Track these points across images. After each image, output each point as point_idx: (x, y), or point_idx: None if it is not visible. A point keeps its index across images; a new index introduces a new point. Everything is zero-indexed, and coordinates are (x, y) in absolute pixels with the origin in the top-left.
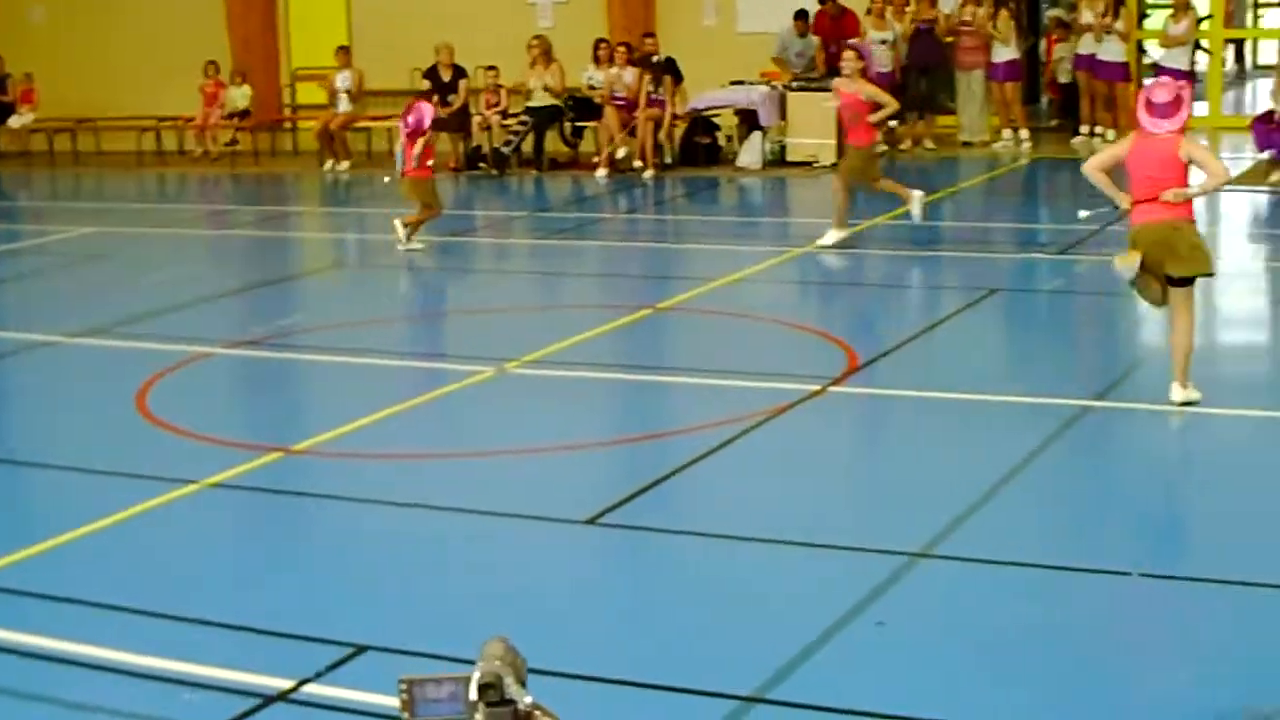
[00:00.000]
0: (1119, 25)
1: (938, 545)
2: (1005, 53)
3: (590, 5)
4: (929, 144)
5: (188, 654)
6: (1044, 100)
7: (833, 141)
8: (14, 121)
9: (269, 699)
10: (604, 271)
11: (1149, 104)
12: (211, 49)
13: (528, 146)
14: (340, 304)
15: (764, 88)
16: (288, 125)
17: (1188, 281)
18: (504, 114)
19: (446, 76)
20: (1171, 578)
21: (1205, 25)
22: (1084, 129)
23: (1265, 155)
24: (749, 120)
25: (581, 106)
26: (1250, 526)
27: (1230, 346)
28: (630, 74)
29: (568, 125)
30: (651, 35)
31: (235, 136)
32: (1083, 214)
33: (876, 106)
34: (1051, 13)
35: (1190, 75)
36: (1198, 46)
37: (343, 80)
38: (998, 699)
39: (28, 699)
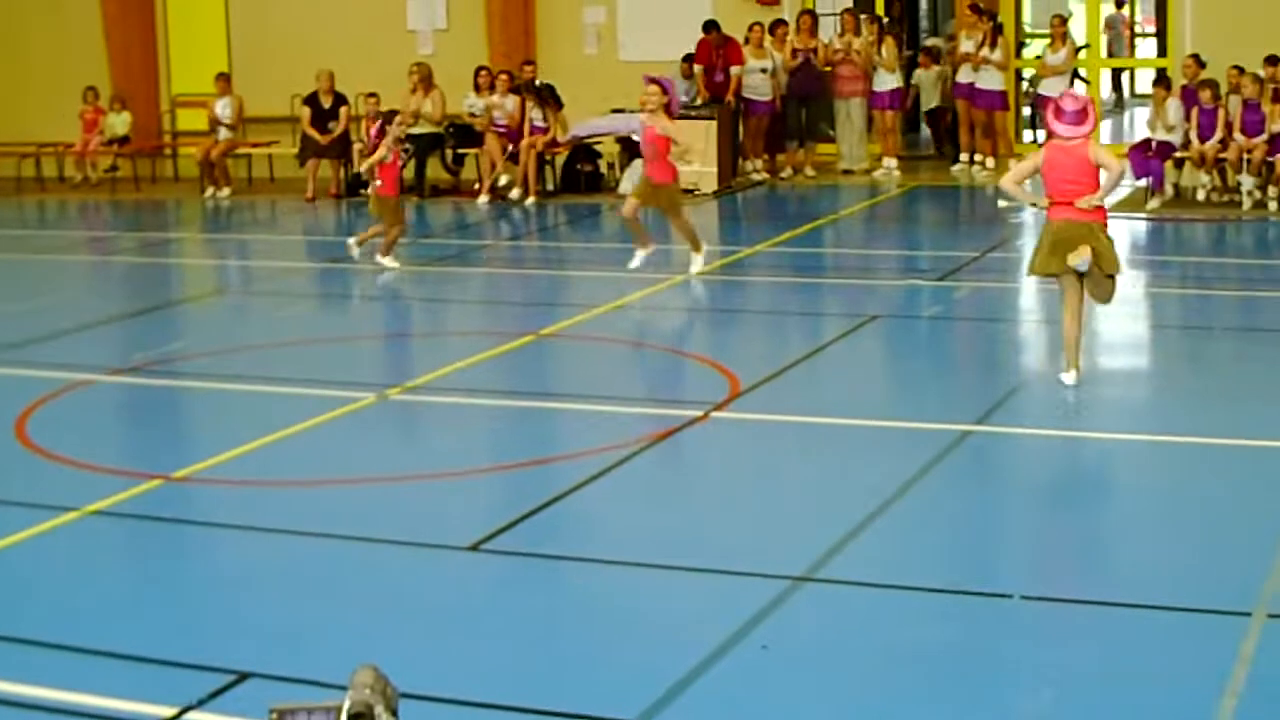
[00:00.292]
0: (996, 55)
1: (821, 569)
2: (889, 81)
3: (471, 33)
4: (809, 172)
5: (69, 683)
6: (924, 128)
7: (714, 169)
8: None
9: None
10: (486, 298)
11: (1060, 111)
12: (91, 75)
13: (409, 173)
14: (222, 331)
15: (644, 116)
16: (168, 151)
17: (1110, 277)
18: None
19: (327, 103)
20: (1052, 600)
21: (1083, 55)
22: (964, 157)
23: (1142, 183)
24: (630, 148)
25: (462, 133)
26: (1129, 549)
27: (1110, 372)
28: (511, 101)
29: (449, 152)
30: (531, 63)
31: (115, 163)
32: (1002, 203)
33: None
34: (928, 41)
35: None
36: (1076, 76)
37: (223, 107)
38: None
39: None
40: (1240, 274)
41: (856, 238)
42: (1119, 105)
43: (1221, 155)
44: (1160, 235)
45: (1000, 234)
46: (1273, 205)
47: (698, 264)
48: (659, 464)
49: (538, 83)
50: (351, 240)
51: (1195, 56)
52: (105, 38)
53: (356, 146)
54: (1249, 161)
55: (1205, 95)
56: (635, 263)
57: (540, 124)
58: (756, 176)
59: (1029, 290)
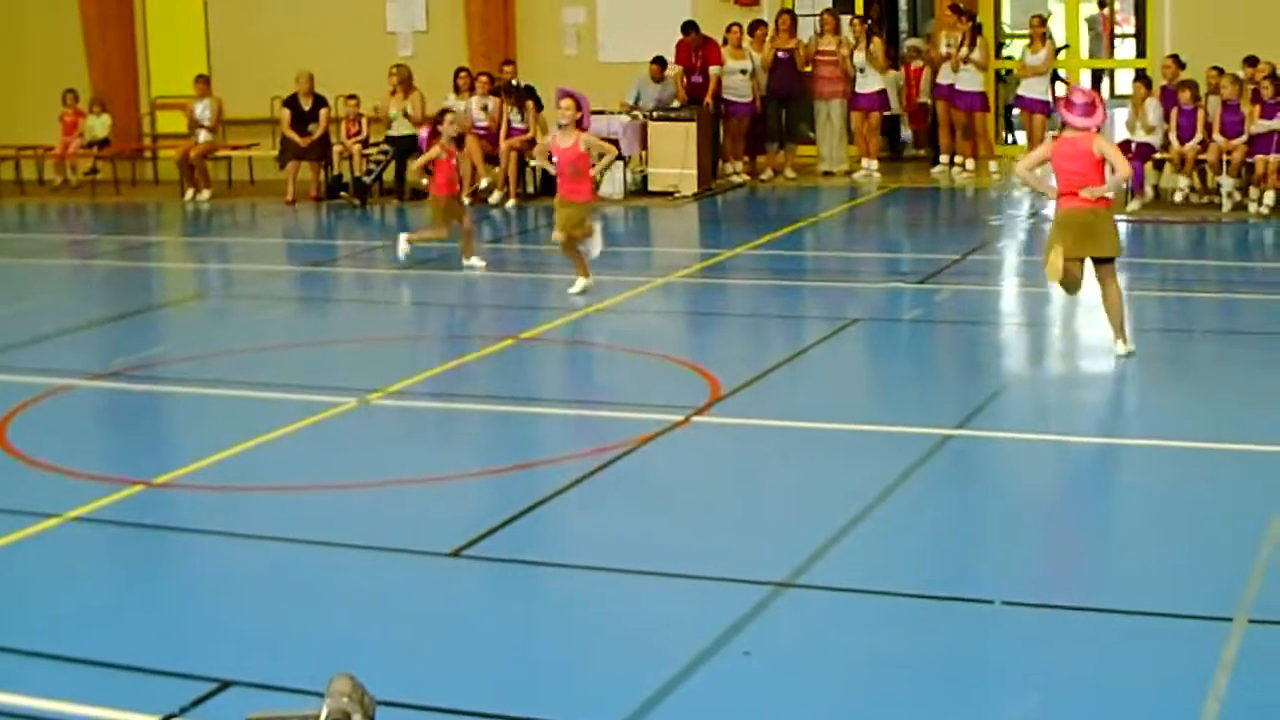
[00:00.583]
0: (975, 55)
1: (802, 574)
2: (873, 82)
3: (450, 34)
4: (789, 174)
5: (49, 691)
6: (905, 131)
7: (694, 171)
8: None
9: None
10: (467, 302)
11: (1070, 104)
12: (70, 77)
13: (389, 176)
14: (202, 335)
15: (625, 118)
16: (148, 154)
17: (1110, 260)
18: (365, 143)
19: (307, 105)
20: (1034, 605)
21: (1063, 55)
22: (944, 158)
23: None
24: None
25: None
26: (1111, 554)
27: (1090, 375)
28: (491, 103)
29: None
30: (511, 63)
31: (95, 165)
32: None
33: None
34: (910, 42)
35: (1048, 105)
36: (1056, 77)
37: (202, 109)
38: None
39: None
40: (1220, 276)
41: (837, 240)
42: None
43: (1201, 157)
44: (1140, 237)
45: (981, 236)
46: (1252, 207)
47: (578, 287)
48: (640, 469)
49: (515, 83)
50: (402, 237)
51: (1174, 57)
52: (85, 40)
53: (336, 149)
54: (1229, 163)
55: (1185, 96)
56: (577, 287)
57: (519, 125)
58: (736, 179)
59: (1010, 293)
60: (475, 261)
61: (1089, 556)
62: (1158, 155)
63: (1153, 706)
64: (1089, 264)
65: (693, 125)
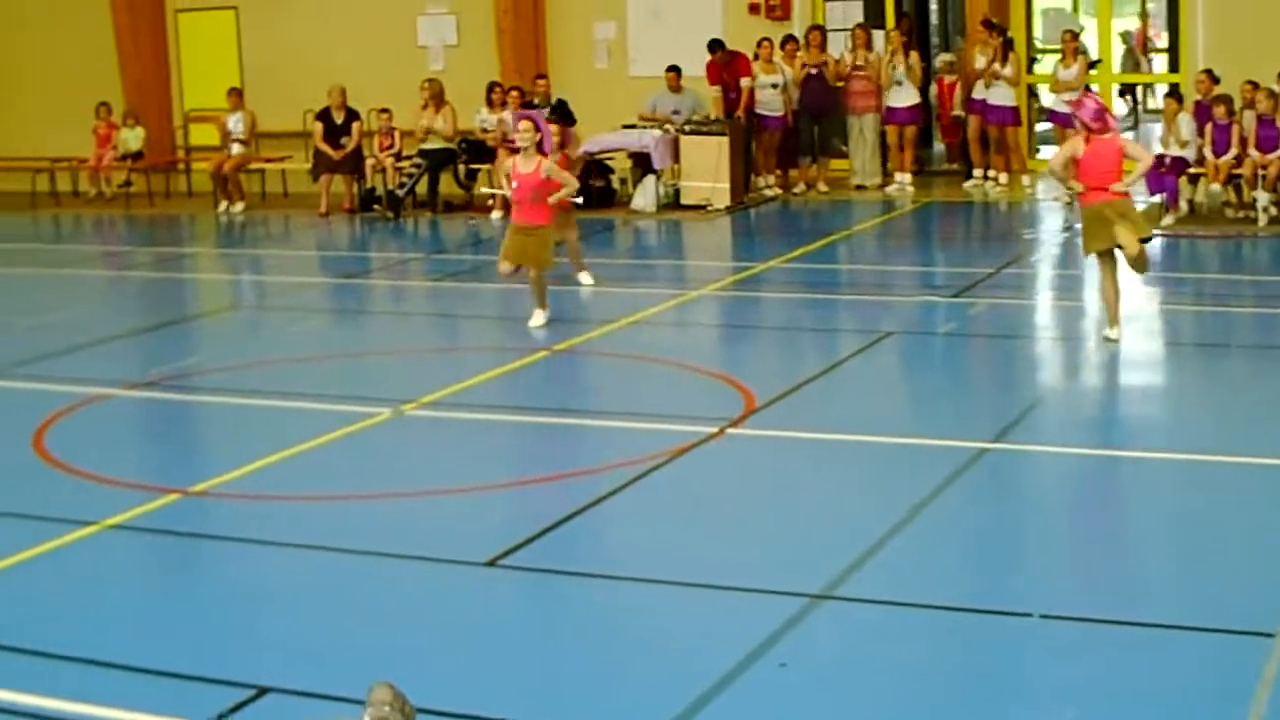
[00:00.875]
0: (1007, 71)
1: (838, 587)
2: (908, 96)
3: (482, 48)
4: (822, 187)
5: (88, 697)
6: (937, 144)
7: (726, 185)
8: None
9: None
10: (500, 314)
11: (1086, 110)
12: (104, 90)
13: (422, 189)
14: (236, 346)
15: (657, 131)
16: (181, 166)
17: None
18: (398, 156)
19: (339, 119)
20: (1072, 619)
21: (1096, 70)
22: (977, 173)
23: (1157, 199)
24: (643, 163)
25: (475, 149)
26: (1149, 568)
27: (1127, 389)
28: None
29: (461, 168)
30: (544, 77)
31: (129, 178)
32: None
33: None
34: (942, 56)
35: None
36: (1088, 91)
37: (235, 122)
38: None
39: None
40: (1256, 290)
41: (870, 253)
42: (1133, 121)
43: (1236, 171)
44: (1175, 251)
45: (1015, 250)
46: None
47: (538, 319)
48: (675, 480)
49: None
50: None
51: (1208, 72)
52: (118, 53)
53: (369, 162)
54: (1264, 177)
55: (1219, 110)
56: (536, 321)
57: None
58: (769, 192)
59: (1045, 307)
60: (584, 278)
61: (1127, 570)
62: (1192, 170)
63: None
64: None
65: (725, 139)
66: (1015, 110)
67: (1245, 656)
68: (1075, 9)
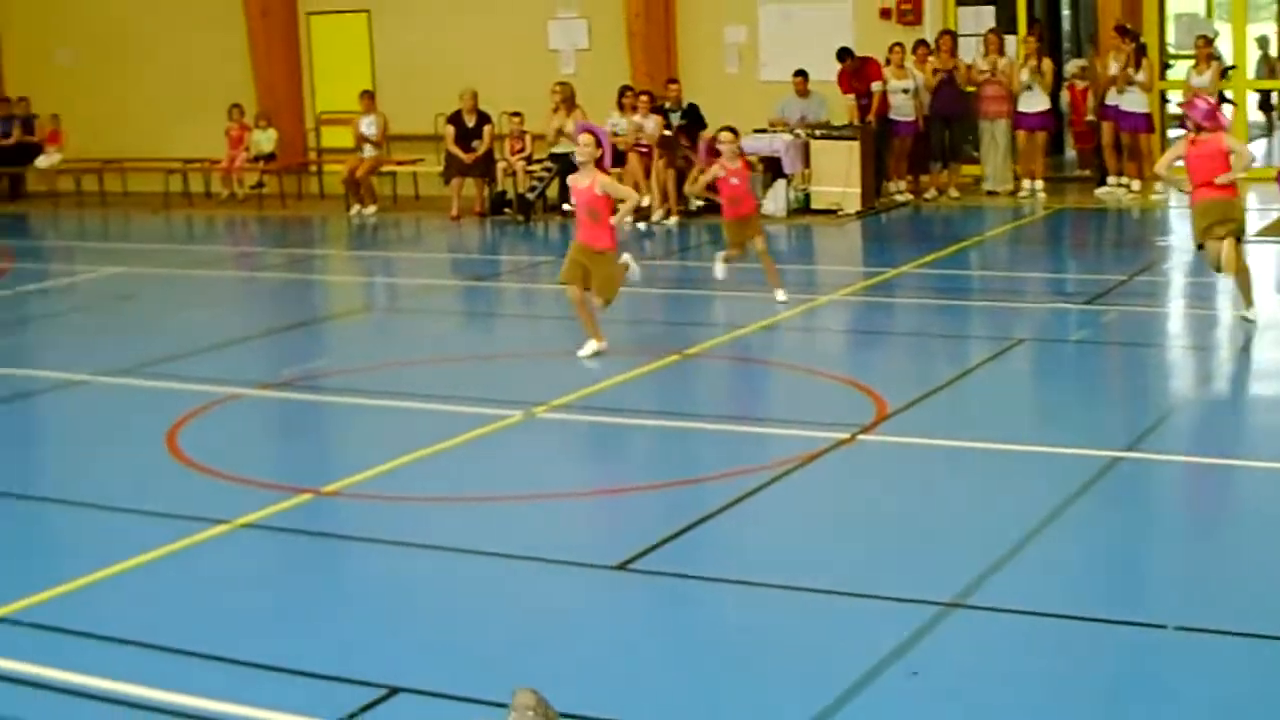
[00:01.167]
0: (1140, 76)
1: (970, 595)
2: (1038, 101)
3: (613, 52)
4: (953, 193)
5: (220, 693)
6: (1069, 151)
7: (857, 190)
8: (41, 162)
9: None
10: (630, 318)
11: (1198, 110)
12: (236, 92)
13: (552, 192)
14: (368, 347)
15: (788, 135)
16: (313, 169)
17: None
18: (528, 159)
19: (470, 122)
20: (1208, 631)
21: (1230, 76)
22: (1111, 179)
23: None
24: (773, 168)
25: None
26: None
27: (1261, 398)
28: (652, 122)
29: None
30: (675, 81)
31: (261, 179)
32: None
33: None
34: (1074, 62)
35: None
36: (1223, 98)
37: (367, 125)
38: None
39: None
40: None
41: (1002, 260)
42: (1268, 128)
43: None
44: None
45: (1148, 257)
46: None
47: (589, 349)
48: (806, 486)
49: (667, 105)
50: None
51: None
52: (251, 55)
53: (500, 165)
54: None
55: None
56: (585, 351)
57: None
58: (900, 197)
59: (1178, 315)
60: (779, 295)
61: (1264, 581)
62: None
63: None
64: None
65: (856, 144)
66: (1148, 116)
67: None
68: (1209, 14)
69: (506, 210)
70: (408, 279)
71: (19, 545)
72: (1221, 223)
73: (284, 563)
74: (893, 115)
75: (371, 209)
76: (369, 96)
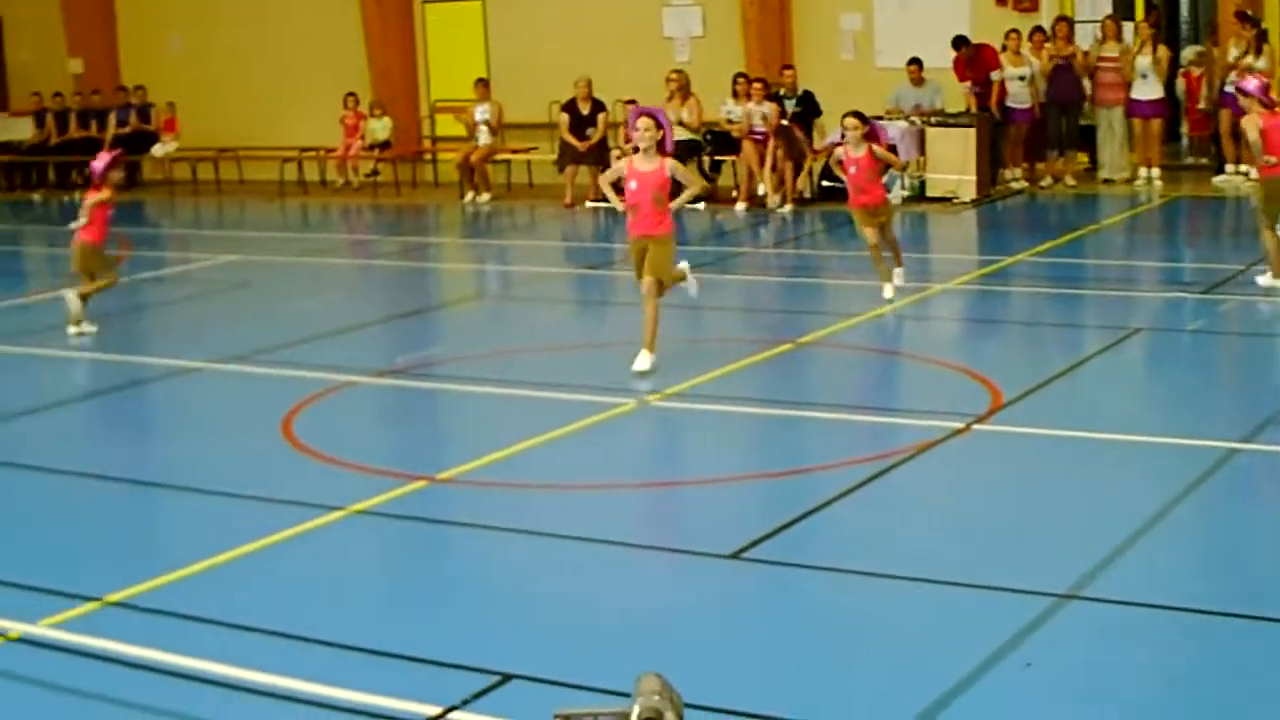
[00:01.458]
0: (1260, 63)
1: (1085, 586)
2: (1153, 89)
3: (727, 40)
4: (1069, 181)
5: (335, 678)
6: (1184, 139)
7: (973, 177)
8: (157, 150)
9: None
10: (744, 306)
11: (1265, 88)
12: (351, 80)
13: None
14: (481, 335)
15: (903, 123)
16: (427, 157)
17: None
18: None
19: (585, 110)
20: None
21: None
22: (1229, 167)
23: None
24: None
25: (719, 141)
26: None
27: None
28: (767, 109)
29: (706, 159)
30: (790, 68)
31: (376, 167)
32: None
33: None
34: (1191, 48)
35: None
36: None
37: (482, 113)
38: None
39: (177, 719)
40: None
41: (1117, 248)
42: None
43: None
44: None
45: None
46: None
47: (644, 363)
48: (921, 476)
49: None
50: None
51: None
52: (366, 44)
53: (614, 153)
54: None
55: None
56: (641, 364)
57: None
58: (1015, 185)
59: None
60: (886, 291)
61: None
62: None
63: None
64: None
65: (972, 131)
66: None
67: None
68: None
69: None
70: (521, 267)
71: (134, 531)
72: None
73: (398, 549)
74: (1008, 102)
75: (485, 197)
76: (484, 84)
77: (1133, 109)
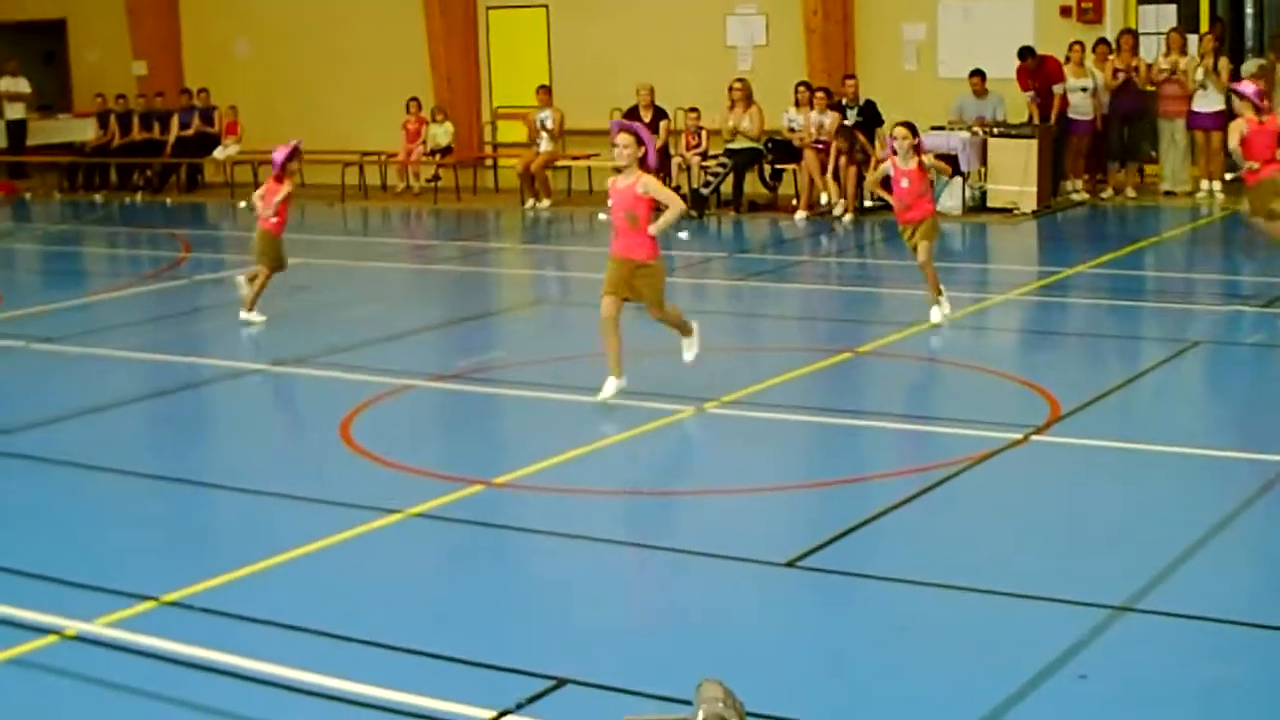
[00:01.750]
0: None
1: (1141, 599)
2: (1213, 101)
3: (791, 48)
4: (1131, 193)
5: (388, 681)
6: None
7: (1034, 188)
8: (219, 153)
9: None
10: (803, 314)
11: (1261, 93)
12: (414, 86)
13: (727, 188)
14: (540, 341)
15: (965, 133)
16: (489, 163)
17: None
18: (704, 155)
19: (647, 117)
20: None
21: None
22: None
23: None
24: (950, 165)
25: (781, 149)
26: None
27: None
28: (829, 118)
29: (767, 168)
30: (852, 77)
31: (437, 172)
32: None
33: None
34: (1252, 61)
35: None
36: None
37: (544, 119)
38: None
39: (231, 719)
40: None
41: (1178, 261)
42: None
43: None
44: None
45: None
46: None
47: (691, 350)
48: (979, 486)
49: (848, 102)
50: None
51: None
52: (429, 50)
53: (675, 160)
54: None
55: None
56: (608, 391)
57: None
58: (1077, 196)
59: None
60: (934, 315)
61: None
62: None
63: None
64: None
65: (1034, 142)
66: None
67: None
68: None
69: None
70: (581, 273)
71: (192, 531)
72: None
73: (454, 553)
74: (1070, 114)
75: (546, 203)
76: (546, 91)
77: (1193, 121)
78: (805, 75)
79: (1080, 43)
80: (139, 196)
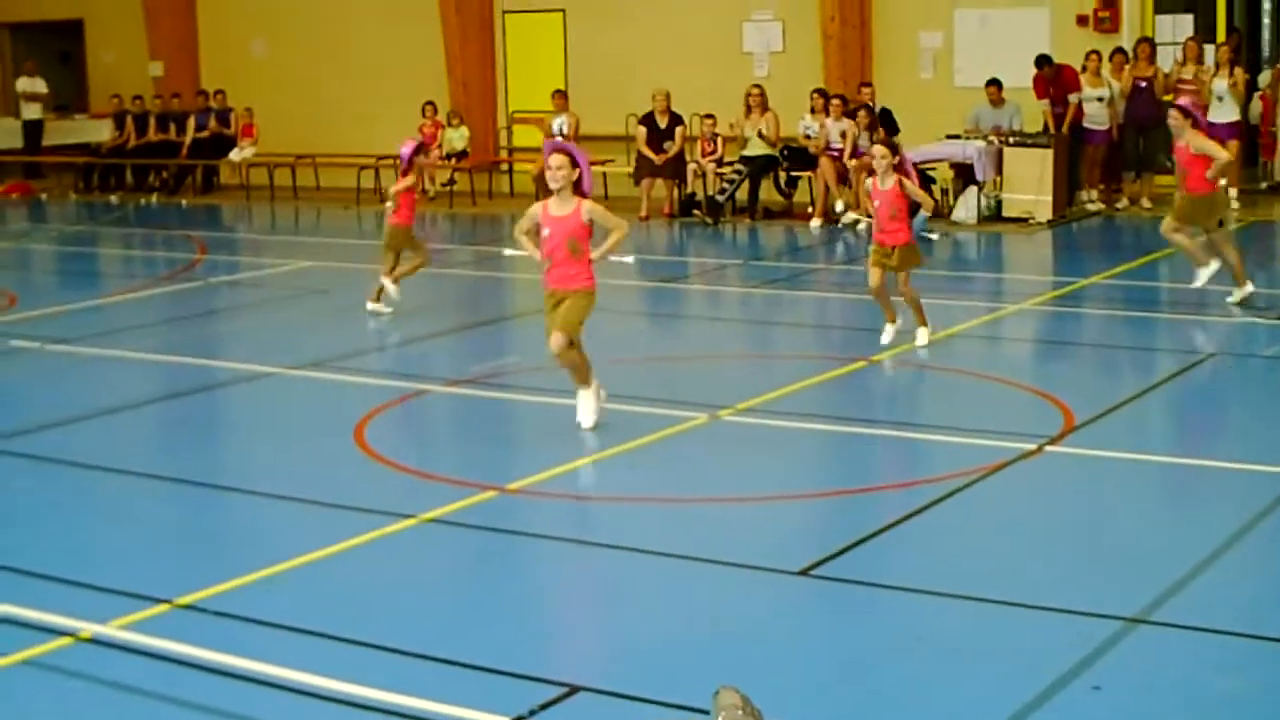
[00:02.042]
0: None
1: (1155, 611)
2: (1229, 111)
3: (807, 55)
4: (1145, 203)
5: (401, 686)
6: (1261, 163)
7: (1049, 198)
8: (235, 155)
9: None
10: (817, 322)
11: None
12: (430, 90)
13: (742, 195)
14: None
15: (980, 142)
16: (505, 167)
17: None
18: (719, 162)
19: (663, 123)
20: None
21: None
22: None
23: None
24: (965, 174)
25: (796, 156)
26: None
27: None
28: (845, 125)
29: (782, 175)
30: (868, 85)
31: (453, 176)
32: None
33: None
34: (1269, 71)
35: None
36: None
37: (559, 124)
38: None
39: None
40: None
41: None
42: None
43: None
44: None
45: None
46: None
47: (589, 409)
48: (992, 496)
49: (870, 105)
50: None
51: None
52: (445, 54)
53: (691, 167)
54: None
55: None
56: (585, 418)
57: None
58: (1092, 206)
59: None
60: (919, 337)
61: None
62: None
63: None
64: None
65: (1049, 152)
66: None
67: None
68: None
69: (695, 212)
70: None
71: (205, 534)
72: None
73: (467, 558)
74: (1086, 123)
75: None
76: (562, 95)
77: (1208, 132)
78: (821, 82)
79: (1097, 52)
80: (154, 198)
